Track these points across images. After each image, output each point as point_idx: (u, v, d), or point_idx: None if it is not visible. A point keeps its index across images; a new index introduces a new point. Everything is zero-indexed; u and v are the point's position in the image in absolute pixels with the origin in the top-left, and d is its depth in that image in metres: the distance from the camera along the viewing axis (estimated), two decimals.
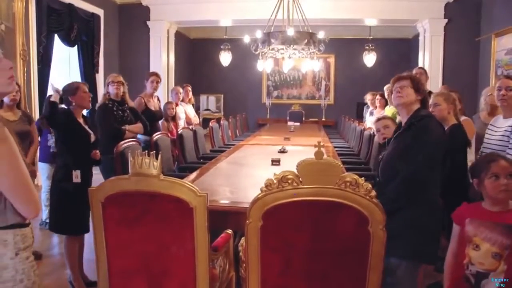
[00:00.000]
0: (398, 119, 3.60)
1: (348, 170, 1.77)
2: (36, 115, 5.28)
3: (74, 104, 2.83)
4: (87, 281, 2.90)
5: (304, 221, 1.65)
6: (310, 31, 5.70)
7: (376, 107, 5.78)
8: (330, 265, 1.67)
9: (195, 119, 5.72)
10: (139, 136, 3.88)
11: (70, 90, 2.83)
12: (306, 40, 5.54)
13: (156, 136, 3.87)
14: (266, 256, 1.67)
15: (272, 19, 5.66)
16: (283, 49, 5.65)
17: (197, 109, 7.64)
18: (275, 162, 3.42)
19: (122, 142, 3.16)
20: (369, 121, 5.70)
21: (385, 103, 5.46)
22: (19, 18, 5.12)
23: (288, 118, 10.08)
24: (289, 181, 1.61)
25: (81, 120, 2.89)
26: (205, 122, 8.46)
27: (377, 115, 4.92)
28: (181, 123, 5.13)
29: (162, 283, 1.82)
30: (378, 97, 5.71)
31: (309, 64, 6.91)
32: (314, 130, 7.49)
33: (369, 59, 9.54)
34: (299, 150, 4.38)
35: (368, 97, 6.11)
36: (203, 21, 8.30)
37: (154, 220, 1.78)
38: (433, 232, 2.08)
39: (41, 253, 3.40)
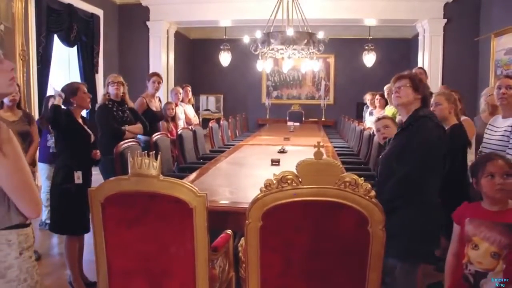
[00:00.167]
0: (398, 118, 3.61)
1: (347, 170, 1.77)
2: (35, 115, 5.28)
3: (75, 105, 2.84)
4: (87, 281, 2.90)
5: (304, 221, 1.65)
6: (310, 31, 5.70)
7: (375, 107, 5.78)
8: (329, 265, 1.67)
9: (195, 119, 5.72)
10: (139, 136, 3.88)
11: (71, 90, 2.83)
12: (306, 40, 5.54)
13: (156, 136, 3.86)
14: (266, 256, 1.67)
15: (272, 19, 5.66)
16: (282, 49, 5.65)
17: (196, 109, 7.65)
18: (275, 162, 3.42)
19: (122, 142, 3.16)
20: (369, 121, 5.70)
21: (384, 103, 5.46)
22: (19, 18, 5.11)
23: (287, 118, 10.09)
24: (289, 182, 1.61)
25: (80, 121, 2.90)
26: (204, 122, 8.46)
27: (377, 115, 4.92)
28: (181, 123, 5.13)
29: (161, 284, 1.82)
30: (377, 97, 5.71)
31: (309, 64, 6.91)
32: (314, 130, 7.49)
33: (369, 59, 9.55)
34: (299, 150, 4.38)
35: (367, 97, 6.11)
36: (202, 21, 8.30)
37: (154, 220, 1.78)
38: (429, 232, 2.07)
39: (40, 253, 3.40)
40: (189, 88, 5.77)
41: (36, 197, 1.38)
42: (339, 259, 1.66)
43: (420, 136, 2.03)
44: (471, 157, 3.06)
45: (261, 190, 1.63)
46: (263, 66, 7.02)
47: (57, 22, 6.02)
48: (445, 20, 7.37)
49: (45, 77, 5.81)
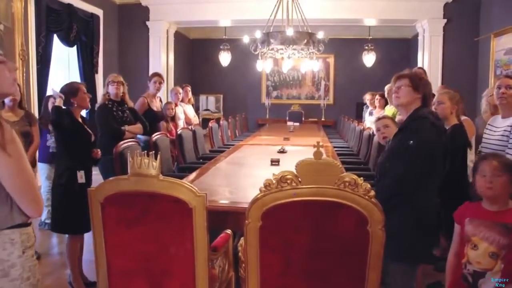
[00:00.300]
0: (398, 118, 3.61)
1: (347, 170, 1.77)
2: (35, 115, 5.28)
3: (75, 105, 2.84)
4: (86, 281, 2.90)
5: (303, 221, 1.65)
6: (310, 31, 5.70)
7: (375, 107, 5.78)
8: (329, 265, 1.67)
9: (195, 119, 5.72)
10: (139, 136, 3.88)
11: (71, 91, 2.84)
12: (306, 40, 5.54)
13: (156, 136, 3.86)
14: (266, 256, 1.67)
15: (272, 19, 5.66)
16: (282, 49, 5.65)
17: (196, 109, 7.64)
18: (275, 162, 3.42)
19: (122, 142, 3.16)
20: (368, 121, 5.70)
21: (384, 103, 5.46)
22: (18, 18, 5.11)
23: (287, 118, 10.08)
24: (288, 181, 1.61)
25: (80, 121, 2.90)
26: (204, 122, 8.46)
27: (377, 115, 4.92)
28: (181, 123, 5.13)
29: (161, 283, 1.82)
30: (377, 97, 5.71)
31: (309, 64, 6.91)
32: (314, 130, 7.49)
33: (369, 59, 9.55)
34: (299, 150, 4.39)
35: (367, 97, 6.11)
36: (202, 21, 8.30)
37: (154, 220, 1.78)
38: (425, 233, 2.03)
39: (39, 253, 3.40)
40: (189, 88, 5.77)
41: (38, 197, 1.41)
42: (339, 259, 1.66)
43: (414, 138, 2.00)
44: (471, 157, 3.07)
45: (260, 190, 1.63)
46: (263, 66, 7.02)
47: (56, 22, 6.01)
48: (445, 20, 7.37)
49: (44, 77, 5.80)
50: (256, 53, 5.96)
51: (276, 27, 5.76)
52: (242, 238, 1.99)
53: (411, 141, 1.99)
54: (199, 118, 7.74)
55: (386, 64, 9.65)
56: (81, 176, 2.78)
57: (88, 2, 6.89)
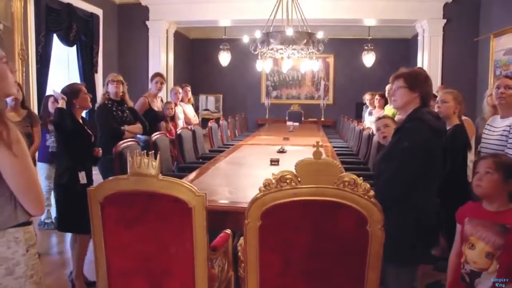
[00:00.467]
0: (397, 118, 3.62)
1: (347, 170, 1.77)
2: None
3: (77, 106, 2.86)
4: (86, 281, 2.90)
5: (303, 221, 1.65)
6: (309, 31, 5.70)
7: (375, 107, 5.78)
8: (329, 265, 1.67)
9: (195, 119, 5.72)
10: (139, 135, 3.88)
11: (73, 92, 2.85)
12: (305, 40, 5.54)
13: (155, 136, 3.86)
14: (265, 256, 1.67)
15: (271, 19, 5.66)
16: (282, 49, 5.65)
17: (196, 109, 7.64)
18: (274, 162, 3.42)
19: (121, 142, 3.16)
20: (368, 121, 5.71)
21: (384, 103, 5.47)
22: (18, 18, 5.10)
23: (287, 118, 10.08)
24: (288, 181, 1.61)
25: (80, 121, 2.91)
26: (204, 122, 8.46)
27: (376, 115, 4.92)
28: (180, 123, 5.13)
29: (161, 283, 1.82)
30: (377, 97, 5.72)
31: (308, 64, 6.91)
32: (313, 130, 7.49)
33: (368, 59, 9.55)
34: (298, 150, 4.39)
35: (367, 97, 6.12)
36: (202, 21, 8.30)
37: (153, 220, 1.78)
38: (422, 233, 1.98)
39: (40, 253, 3.39)
40: (189, 88, 5.78)
41: (41, 195, 1.44)
42: (338, 258, 1.66)
43: (408, 139, 1.96)
44: (471, 157, 3.07)
45: (260, 190, 1.63)
46: (263, 66, 7.02)
47: (56, 21, 6.01)
48: (445, 20, 7.37)
49: (44, 76, 5.80)
50: (256, 53, 5.96)
51: (276, 27, 5.76)
52: (241, 238, 1.99)
53: (406, 143, 1.96)
54: (198, 118, 7.73)
55: (385, 64, 9.64)
56: (82, 177, 2.79)
57: (88, 1, 6.89)
